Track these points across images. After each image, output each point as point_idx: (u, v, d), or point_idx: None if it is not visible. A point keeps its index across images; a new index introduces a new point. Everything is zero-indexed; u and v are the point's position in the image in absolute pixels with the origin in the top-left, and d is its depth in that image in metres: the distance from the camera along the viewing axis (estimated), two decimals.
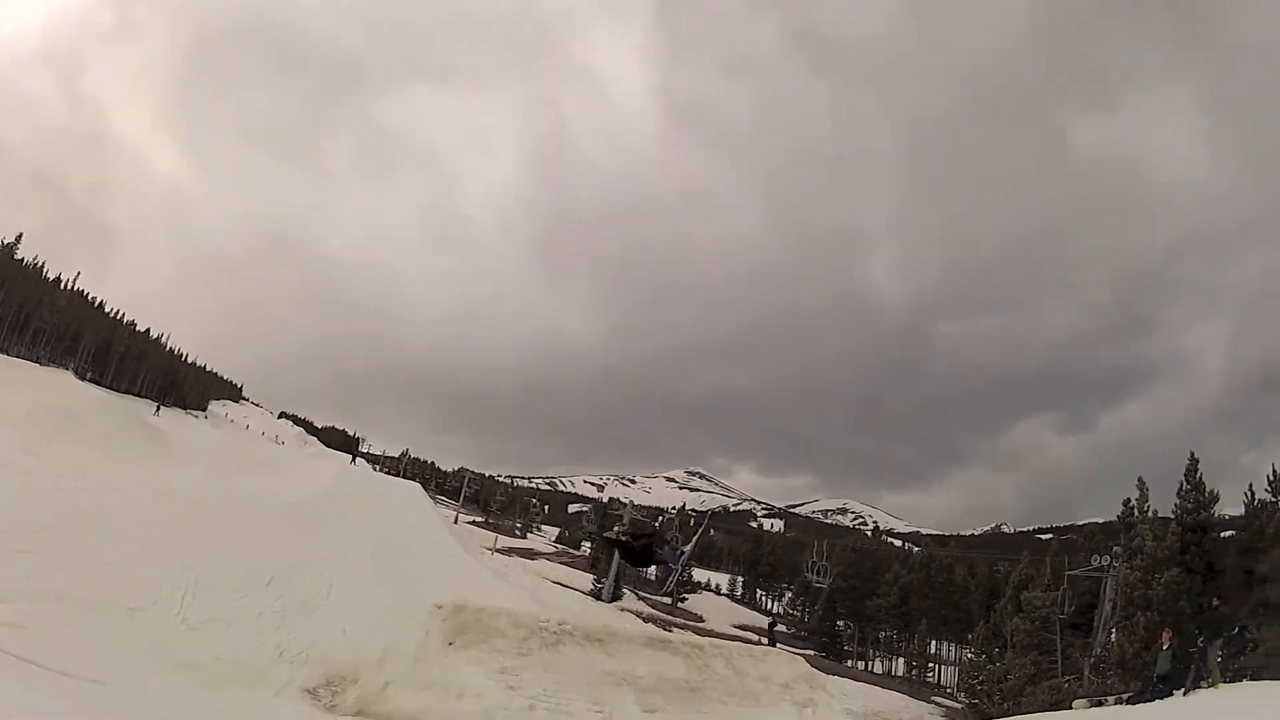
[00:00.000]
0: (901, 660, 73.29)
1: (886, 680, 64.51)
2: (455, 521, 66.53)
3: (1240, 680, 24.79)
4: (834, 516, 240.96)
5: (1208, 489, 34.27)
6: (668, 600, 72.07)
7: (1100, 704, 23.68)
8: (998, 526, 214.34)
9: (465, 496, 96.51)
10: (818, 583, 66.67)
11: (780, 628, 65.89)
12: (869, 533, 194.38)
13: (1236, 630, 30.91)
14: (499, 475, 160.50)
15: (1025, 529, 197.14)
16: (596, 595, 56.02)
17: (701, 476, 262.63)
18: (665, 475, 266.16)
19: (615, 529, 38.36)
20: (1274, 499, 33.12)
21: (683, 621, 61.97)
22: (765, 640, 47.42)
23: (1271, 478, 33.42)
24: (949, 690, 61.18)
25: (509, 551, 66.31)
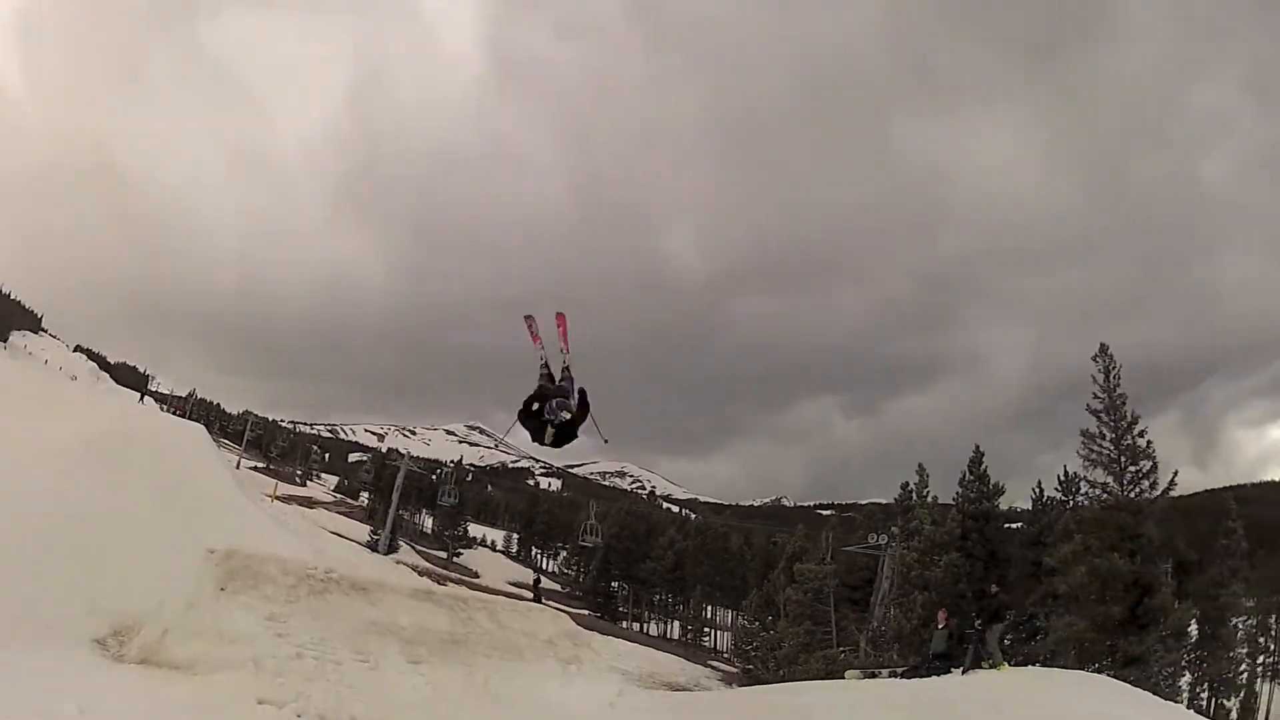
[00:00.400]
0: (677, 624, 73.76)
1: (662, 643, 64.76)
2: (238, 466, 64.08)
3: (1030, 665, 25.12)
4: (612, 479, 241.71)
5: (992, 481, 35.32)
6: (444, 554, 71.63)
7: (874, 675, 23.47)
8: (778, 499, 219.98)
9: (248, 441, 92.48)
10: (584, 542, 66.17)
11: (545, 583, 65.58)
12: (645, 496, 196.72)
13: (1027, 618, 31.68)
14: (282, 420, 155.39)
15: (806, 504, 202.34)
16: (372, 547, 55.40)
17: (481, 431, 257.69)
18: (445, 428, 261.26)
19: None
20: (1063, 498, 34.46)
21: (458, 577, 60.90)
22: (531, 596, 46.81)
23: (1062, 478, 34.59)
24: (725, 655, 61.65)
25: (289, 499, 64.71)
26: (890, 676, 22.39)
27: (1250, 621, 58.37)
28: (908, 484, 40.65)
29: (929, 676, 19.99)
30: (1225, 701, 37.58)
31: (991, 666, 19.90)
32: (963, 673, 19.79)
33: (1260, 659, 58.82)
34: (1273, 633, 59.76)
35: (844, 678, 24.18)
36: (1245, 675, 44.11)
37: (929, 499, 39.17)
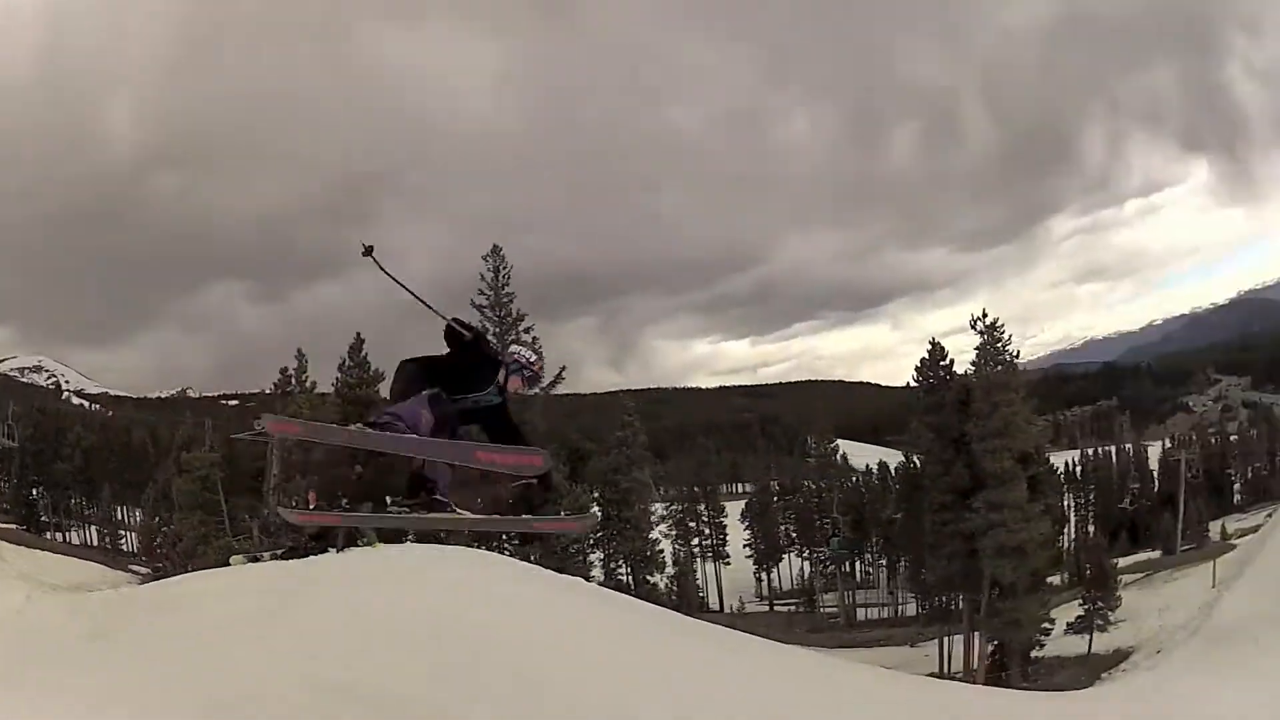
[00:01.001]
0: (94, 529, 69.71)
1: (86, 551, 61.27)
2: None
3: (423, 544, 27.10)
4: (30, 375, 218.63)
5: (374, 368, 36.32)
6: None
7: (257, 559, 24.04)
8: (184, 390, 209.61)
9: None
10: None
11: None
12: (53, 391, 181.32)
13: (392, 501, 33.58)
14: None
15: (213, 394, 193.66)
16: None
17: None
18: None
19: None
20: None
21: None
22: None
23: None
24: (142, 557, 59.50)
25: None
26: (272, 559, 23.11)
27: (675, 508, 66.66)
28: (286, 369, 41.15)
29: (306, 556, 21.05)
30: (649, 577, 41.56)
31: (367, 544, 21.31)
32: (337, 552, 21.03)
33: (695, 541, 67.54)
34: (705, 519, 68.66)
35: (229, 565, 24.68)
36: (672, 555, 50.49)
37: (309, 385, 39.75)
